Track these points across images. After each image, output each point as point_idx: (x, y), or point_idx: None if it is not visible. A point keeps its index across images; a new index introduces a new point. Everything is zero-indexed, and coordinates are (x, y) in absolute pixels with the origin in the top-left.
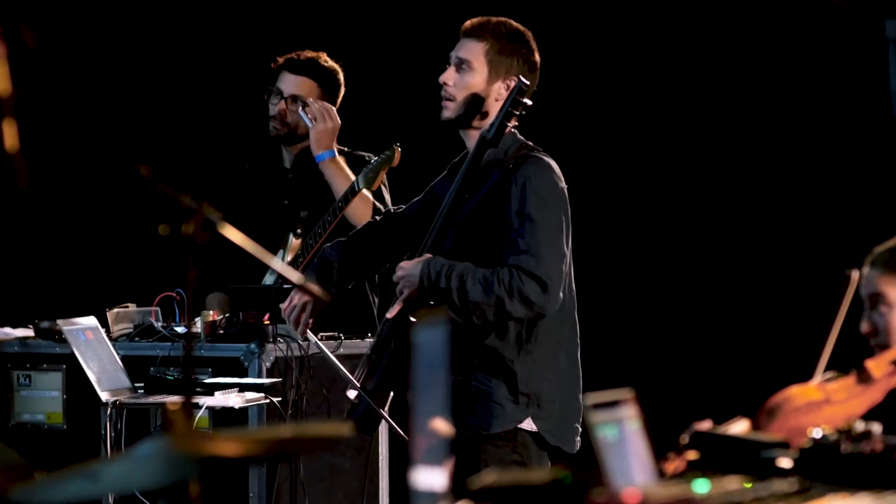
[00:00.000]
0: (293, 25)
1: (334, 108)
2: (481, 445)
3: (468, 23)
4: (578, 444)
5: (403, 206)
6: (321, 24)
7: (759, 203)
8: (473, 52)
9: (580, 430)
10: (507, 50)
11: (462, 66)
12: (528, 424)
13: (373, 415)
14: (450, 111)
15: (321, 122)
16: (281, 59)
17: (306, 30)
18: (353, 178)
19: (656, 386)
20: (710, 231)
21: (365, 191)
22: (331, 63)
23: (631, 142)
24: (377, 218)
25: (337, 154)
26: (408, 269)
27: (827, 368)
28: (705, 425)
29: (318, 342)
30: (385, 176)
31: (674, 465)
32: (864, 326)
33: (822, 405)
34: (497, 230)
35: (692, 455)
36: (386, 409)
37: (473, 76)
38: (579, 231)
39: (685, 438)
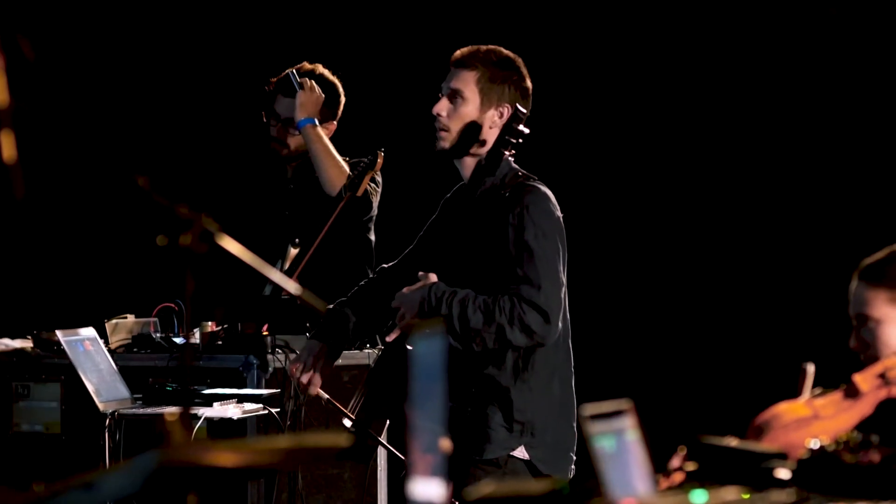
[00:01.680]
0: (292, 30)
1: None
2: (471, 470)
3: (458, 53)
4: (572, 473)
5: (395, 261)
6: (318, 29)
7: (750, 221)
8: (465, 81)
9: (574, 458)
10: (498, 77)
11: (454, 96)
12: (521, 452)
13: (368, 443)
14: (445, 142)
15: (308, 90)
16: (274, 81)
17: (304, 33)
18: (329, 144)
19: (647, 402)
20: (704, 249)
21: (338, 157)
22: (327, 76)
23: (618, 161)
24: (373, 276)
25: (318, 124)
26: (408, 294)
27: (815, 384)
28: None
29: (330, 399)
30: (379, 177)
31: (665, 486)
32: (853, 341)
33: (810, 421)
34: (494, 259)
35: (690, 466)
36: (383, 436)
37: (466, 105)
38: (574, 248)
39: (676, 461)
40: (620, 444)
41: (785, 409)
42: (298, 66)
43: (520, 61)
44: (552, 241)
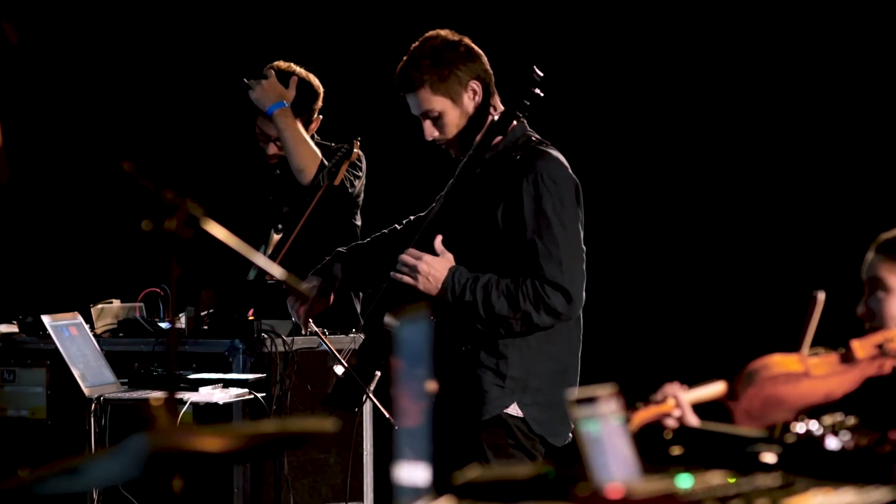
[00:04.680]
0: (277, 16)
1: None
2: (478, 434)
3: (396, 80)
4: (569, 440)
5: (412, 217)
6: (299, 13)
7: (752, 177)
8: (424, 100)
9: (572, 425)
10: (444, 73)
11: (427, 116)
12: (515, 410)
13: (356, 391)
14: (456, 150)
15: (257, 84)
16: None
17: (286, 17)
18: (302, 130)
19: (647, 357)
20: (704, 205)
21: (310, 143)
22: (302, 74)
23: (603, 124)
24: (385, 231)
25: (287, 105)
26: (434, 270)
27: (815, 344)
28: (675, 386)
29: (319, 333)
30: (362, 163)
31: (641, 415)
32: (861, 309)
33: (800, 378)
34: (507, 223)
35: (676, 450)
36: (371, 388)
37: (445, 115)
38: None
39: (660, 395)
40: (605, 428)
41: (777, 361)
42: (271, 65)
43: (440, 37)
44: (570, 208)
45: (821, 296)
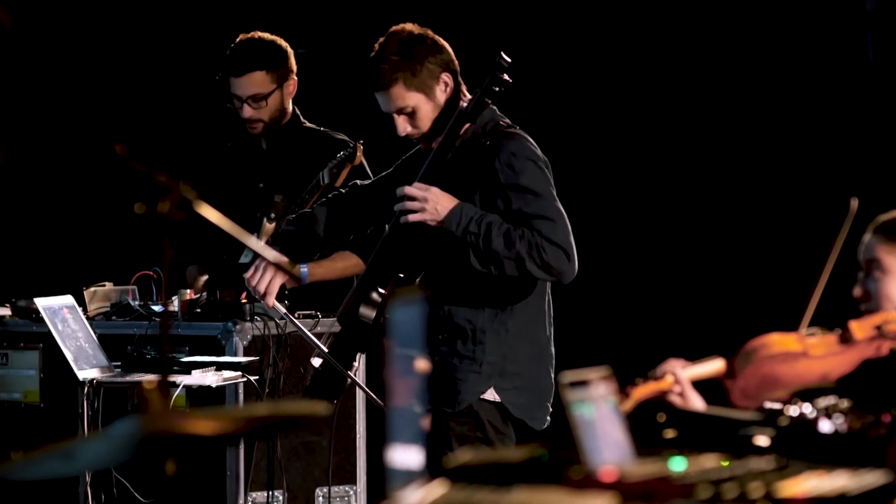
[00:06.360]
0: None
1: None
2: (447, 423)
3: (369, 79)
4: (547, 423)
5: (368, 181)
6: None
7: (749, 155)
8: (398, 96)
9: (550, 409)
10: (416, 68)
11: (402, 112)
12: (491, 395)
13: (336, 380)
14: (430, 142)
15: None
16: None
17: (278, 5)
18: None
19: (646, 336)
20: (704, 177)
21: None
22: (267, 38)
23: (584, 105)
24: (342, 190)
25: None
26: (443, 199)
27: (812, 325)
28: (675, 363)
29: (287, 313)
30: (367, 168)
31: (639, 392)
32: (857, 291)
33: (798, 357)
34: (488, 205)
35: (669, 433)
36: (353, 374)
37: (419, 110)
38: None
39: (660, 372)
40: (598, 411)
41: (775, 340)
42: (235, 46)
43: (406, 31)
44: (548, 183)
45: (854, 203)
